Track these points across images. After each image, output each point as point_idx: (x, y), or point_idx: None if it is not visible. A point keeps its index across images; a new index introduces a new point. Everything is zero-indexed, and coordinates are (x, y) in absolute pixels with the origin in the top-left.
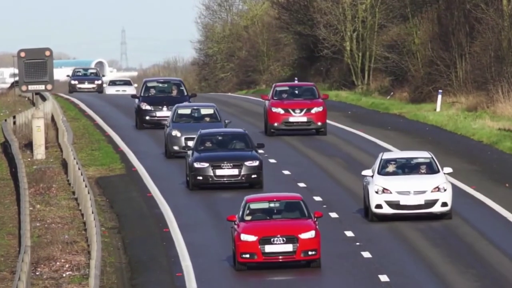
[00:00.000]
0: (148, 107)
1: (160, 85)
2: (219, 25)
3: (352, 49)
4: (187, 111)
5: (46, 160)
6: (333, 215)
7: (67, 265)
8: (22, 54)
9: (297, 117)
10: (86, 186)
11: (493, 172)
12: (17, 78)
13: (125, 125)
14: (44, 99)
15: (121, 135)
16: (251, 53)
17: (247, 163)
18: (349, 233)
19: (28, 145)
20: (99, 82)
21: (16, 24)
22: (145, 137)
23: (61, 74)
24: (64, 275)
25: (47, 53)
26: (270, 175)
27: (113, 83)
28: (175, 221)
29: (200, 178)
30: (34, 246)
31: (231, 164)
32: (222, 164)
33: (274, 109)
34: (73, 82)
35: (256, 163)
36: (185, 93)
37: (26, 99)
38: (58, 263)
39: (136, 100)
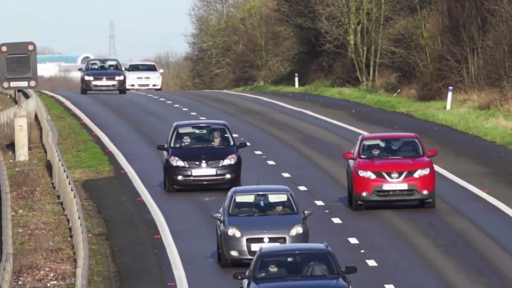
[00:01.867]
0: (180, 163)
1: (197, 131)
2: (214, 18)
3: (356, 43)
4: (249, 198)
5: (29, 162)
6: (336, 220)
7: (51, 274)
8: (4, 49)
9: (395, 183)
10: (72, 190)
11: (507, 174)
12: None
13: (113, 124)
14: (27, 96)
15: (110, 135)
16: (249, 48)
17: None
18: (353, 240)
19: (10, 146)
20: (121, 77)
21: None
22: (136, 137)
23: (45, 70)
24: (48, 284)
25: (30, 47)
26: (268, 179)
27: (134, 68)
28: (167, 227)
29: None
30: (17, 253)
31: None
32: None
33: (361, 173)
34: (87, 77)
35: None
36: (232, 142)
37: (8, 96)
38: (42, 271)
39: (164, 153)
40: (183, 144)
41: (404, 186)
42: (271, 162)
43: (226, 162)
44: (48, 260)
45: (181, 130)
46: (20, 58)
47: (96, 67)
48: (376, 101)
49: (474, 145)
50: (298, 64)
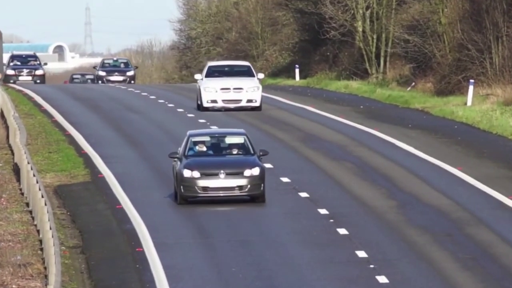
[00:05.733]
0: None
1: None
2: (204, 1)
3: (365, 30)
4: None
5: None
6: (342, 231)
7: None
8: None
9: None
10: (42, 197)
11: None
12: None
13: (89, 122)
14: None
15: (85, 134)
16: (243, 35)
17: None
18: (361, 253)
19: None
20: (257, 170)
21: None
22: (114, 137)
23: None
24: None
25: None
26: (266, 184)
27: (215, 71)
28: (150, 239)
29: None
30: None
31: None
32: None
33: None
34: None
35: None
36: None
37: None
38: None
39: None
40: None
41: None
42: (268, 165)
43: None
44: (15, 277)
45: None
46: None
47: (204, 147)
48: (388, 96)
49: (499, 145)
50: (299, 54)
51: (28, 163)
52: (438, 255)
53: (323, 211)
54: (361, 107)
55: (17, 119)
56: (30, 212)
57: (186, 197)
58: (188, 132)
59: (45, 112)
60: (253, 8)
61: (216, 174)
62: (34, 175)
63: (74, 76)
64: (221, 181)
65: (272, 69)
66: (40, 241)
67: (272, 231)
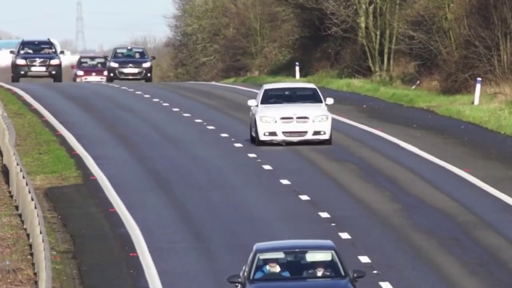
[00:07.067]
0: None
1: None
2: None
3: (368, 26)
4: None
5: None
6: (344, 235)
7: None
8: None
9: None
10: (32, 199)
11: None
12: None
13: (81, 121)
14: None
15: (77, 134)
16: (241, 32)
17: None
18: (364, 259)
19: None
20: None
21: None
22: (107, 138)
23: (1, 57)
24: None
25: None
26: (265, 186)
27: (271, 96)
28: (144, 244)
29: None
30: None
31: None
32: None
33: None
34: None
35: None
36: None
37: None
38: None
39: None
40: None
41: None
42: (267, 167)
43: None
44: (4, 282)
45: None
46: None
47: None
48: (392, 94)
49: (507, 146)
50: (300, 51)
51: (17, 164)
52: (444, 260)
53: (324, 215)
54: (364, 106)
55: (5, 119)
56: (20, 215)
57: None
58: (255, 247)
59: (35, 111)
60: (252, 3)
61: None
62: (23, 177)
63: (82, 60)
64: None
65: (271, 67)
66: (30, 245)
67: (271, 236)
